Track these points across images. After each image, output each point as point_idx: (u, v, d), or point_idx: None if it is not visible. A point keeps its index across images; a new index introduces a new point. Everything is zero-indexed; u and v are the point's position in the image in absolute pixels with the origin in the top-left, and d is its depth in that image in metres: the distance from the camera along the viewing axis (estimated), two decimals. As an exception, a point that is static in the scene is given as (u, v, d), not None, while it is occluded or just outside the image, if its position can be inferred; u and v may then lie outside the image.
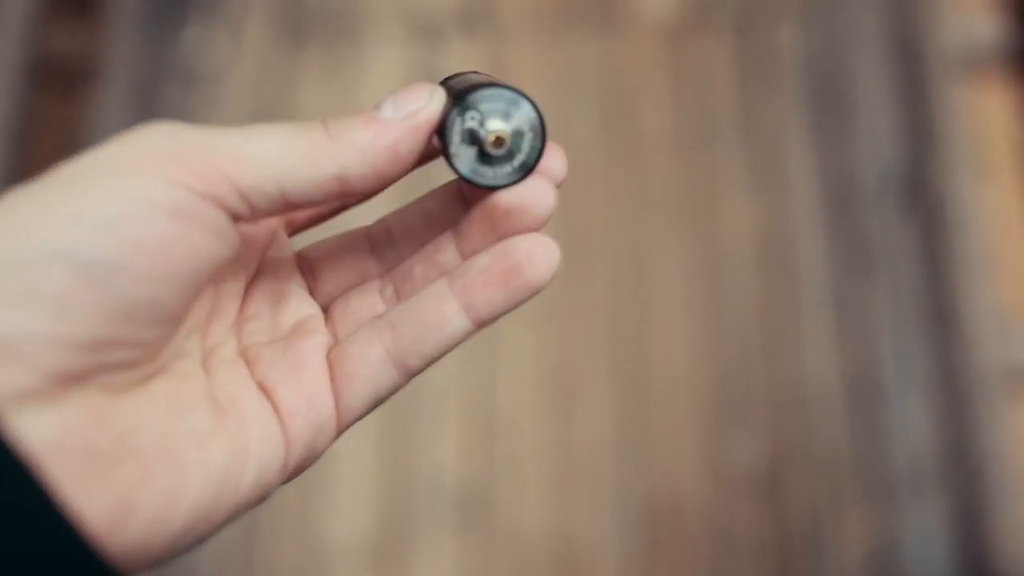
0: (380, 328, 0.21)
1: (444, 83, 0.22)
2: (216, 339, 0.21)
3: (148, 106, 0.89)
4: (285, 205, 0.19)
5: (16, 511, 0.15)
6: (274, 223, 0.23)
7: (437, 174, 0.22)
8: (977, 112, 0.86)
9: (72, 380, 0.16)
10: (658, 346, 0.81)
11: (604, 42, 0.92)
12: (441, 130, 0.20)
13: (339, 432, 0.21)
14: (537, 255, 0.20)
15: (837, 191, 0.85)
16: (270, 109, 0.90)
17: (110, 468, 0.16)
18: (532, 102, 0.21)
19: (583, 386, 0.80)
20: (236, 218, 0.18)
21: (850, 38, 0.90)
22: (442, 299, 0.21)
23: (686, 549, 0.76)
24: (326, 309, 0.23)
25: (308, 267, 0.23)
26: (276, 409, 0.20)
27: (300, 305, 0.22)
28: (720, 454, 0.78)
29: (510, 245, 0.20)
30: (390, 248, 0.23)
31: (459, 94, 0.21)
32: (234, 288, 0.22)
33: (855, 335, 0.81)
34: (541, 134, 0.21)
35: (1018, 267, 0.82)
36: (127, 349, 0.17)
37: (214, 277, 0.19)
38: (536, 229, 0.21)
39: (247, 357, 0.21)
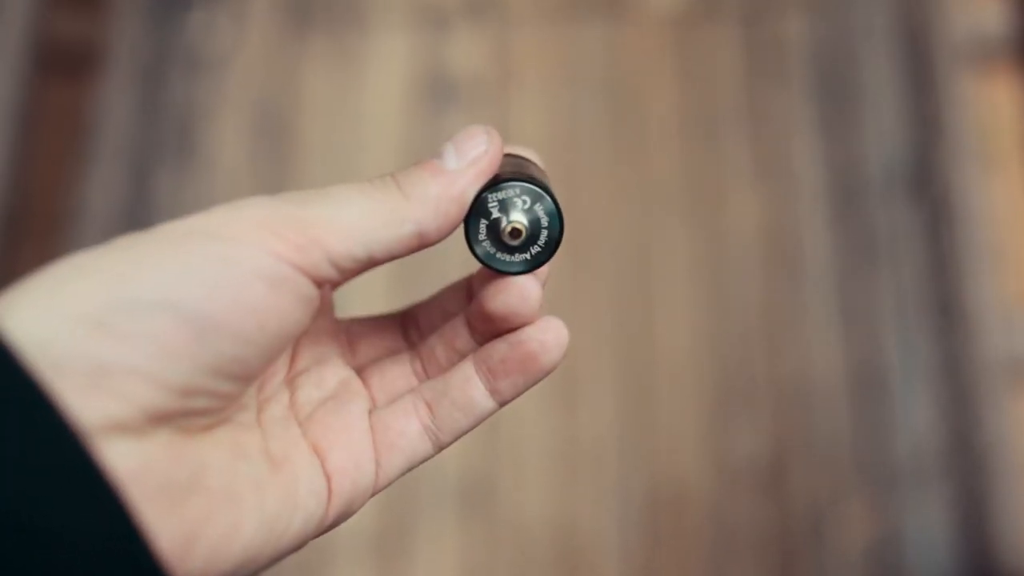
0: (417, 404, 0.23)
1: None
2: (270, 392, 0.23)
3: (153, 91, 0.89)
4: (371, 264, 0.21)
5: (103, 534, 0.16)
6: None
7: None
8: (984, 104, 0.86)
9: (158, 419, 0.18)
10: (662, 337, 0.81)
11: (610, 31, 0.91)
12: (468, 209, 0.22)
13: (374, 493, 0.23)
14: (548, 343, 0.23)
15: (843, 183, 0.85)
16: (275, 96, 0.90)
17: (182, 500, 0.18)
18: (553, 198, 0.22)
19: (586, 377, 0.80)
20: (325, 282, 0.20)
21: (857, 29, 0.90)
22: (470, 383, 0.23)
23: (688, 540, 0.76)
24: (361, 374, 0.25)
25: (347, 337, 0.26)
26: (325, 469, 0.22)
27: (338, 369, 0.25)
28: (723, 446, 0.78)
29: (524, 335, 0.23)
30: (416, 332, 0.26)
31: (489, 184, 0.22)
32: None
33: (859, 326, 0.80)
34: (558, 234, 0.22)
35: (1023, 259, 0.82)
36: (208, 398, 0.19)
37: (291, 344, 0.21)
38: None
39: (299, 414, 0.23)
